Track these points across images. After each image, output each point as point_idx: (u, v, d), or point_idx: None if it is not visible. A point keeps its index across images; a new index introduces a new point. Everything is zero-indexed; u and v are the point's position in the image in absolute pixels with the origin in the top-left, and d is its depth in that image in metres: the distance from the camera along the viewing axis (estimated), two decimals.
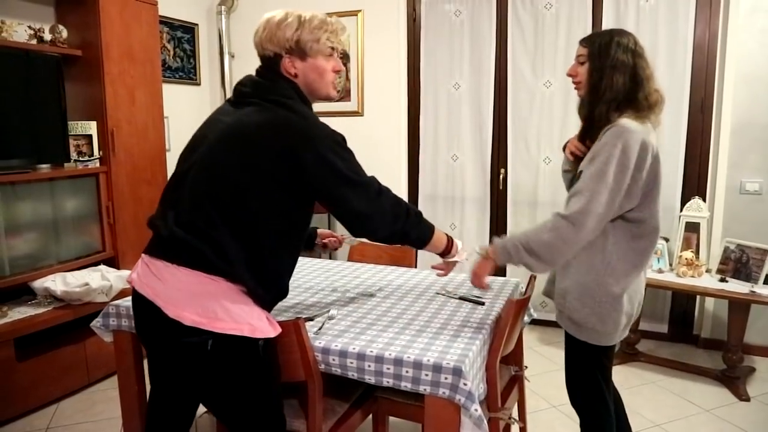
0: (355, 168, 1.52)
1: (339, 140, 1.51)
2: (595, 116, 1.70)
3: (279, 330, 1.54)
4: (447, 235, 1.82)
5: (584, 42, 1.76)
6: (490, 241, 1.81)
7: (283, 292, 1.62)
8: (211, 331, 1.41)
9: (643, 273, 1.79)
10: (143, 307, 1.48)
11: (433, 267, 1.97)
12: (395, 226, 1.59)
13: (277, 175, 1.43)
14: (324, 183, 1.46)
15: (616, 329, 1.72)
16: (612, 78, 1.66)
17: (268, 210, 1.46)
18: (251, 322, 1.46)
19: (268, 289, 1.52)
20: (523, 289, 2.25)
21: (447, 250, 1.81)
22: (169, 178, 1.63)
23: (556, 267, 1.76)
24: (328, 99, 1.63)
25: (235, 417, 1.54)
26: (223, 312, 1.42)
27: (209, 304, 1.41)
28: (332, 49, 1.56)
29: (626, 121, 1.63)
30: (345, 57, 4.21)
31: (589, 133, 1.76)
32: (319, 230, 2.27)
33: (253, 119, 1.46)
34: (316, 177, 1.45)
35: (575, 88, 1.80)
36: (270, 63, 1.55)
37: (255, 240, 1.46)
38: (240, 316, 1.44)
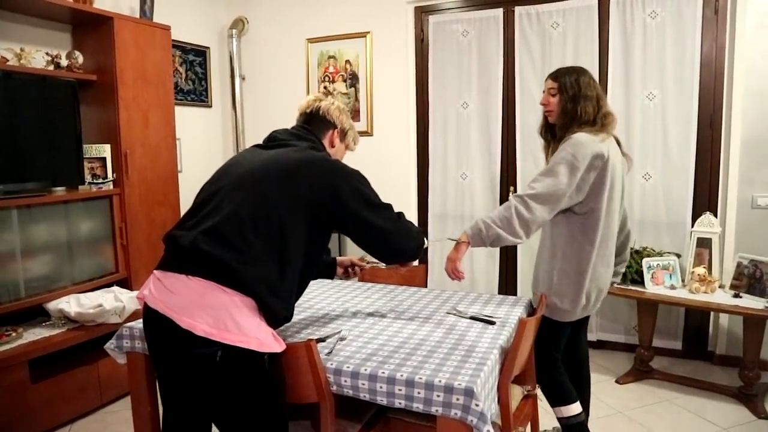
0: (377, 196, 1.74)
1: (362, 175, 1.76)
2: (567, 134, 2.13)
3: (284, 347, 1.59)
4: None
5: (553, 78, 2.20)
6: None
7: (289, 317, 1.70)
8: (221, 343, 1.46)
9: (603, 263, 2.17)
10: (155, 321, 1.53)
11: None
12: (416, 242, 1.82)
13: (314, 200, 1.60)
14: (355, 206, 1.65)
15: (573, 308, 2.16)
16: (585, 107, 2.11)
17: (298, 232, 1.58)
18: (259, 336, 1.51)
19: (279, 308, 1.58)
20: (534, 307, 2.25)
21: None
22: (193, 201, 1.72)
23: (521, 240, 2.06)
24: None
25: (240, 430, 1.57)
26: (233, 324, 1.47)
27: (220, 316, 1.47)
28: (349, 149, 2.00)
29: (579, 135, 2.07)
30: (354, 77, 4.27)
31: (553, 147, 2.23)
32: (338, 258, 2.32)
33: (290, 155, 1.68)
34: (348, 202, 1.64)
35: (546, 115, 2.25)
36: (318, 122, 1.87)
37: (280, 258, 1.56)
38: (249, 330, 1.49)
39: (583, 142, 2.04)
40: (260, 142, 1.85)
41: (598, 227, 2.10)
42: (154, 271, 1.61)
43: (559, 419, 2.31)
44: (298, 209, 1.59)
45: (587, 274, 2.13)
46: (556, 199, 2.03)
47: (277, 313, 1.59)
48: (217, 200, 1.60)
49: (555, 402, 2.30)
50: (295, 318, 2.09)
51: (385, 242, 1.73)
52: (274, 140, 1.80)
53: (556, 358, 2.27)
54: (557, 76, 2.19)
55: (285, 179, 1.60)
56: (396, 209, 1.79)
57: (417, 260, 1.99)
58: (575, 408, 2.28)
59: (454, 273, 2.11)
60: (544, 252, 2.24)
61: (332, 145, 1.90)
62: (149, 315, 1.56)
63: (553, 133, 2.27)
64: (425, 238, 1.92)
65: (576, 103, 2.11)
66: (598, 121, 2.12)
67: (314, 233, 1.65)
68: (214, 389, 1.53)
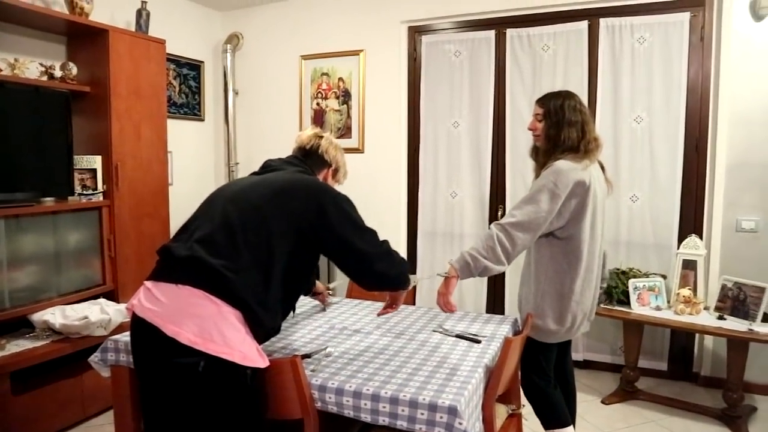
0: (362, 221, 1.76)
1: (350, 200, 1.78)
2: (549, 160, 2.16)
3: (267, 363, 1.59)
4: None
5: (540, 103, 2.23)
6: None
7: (276, 329, 1.72)
8: (204, 353, 1.46)
9: (588, 287, 2.20)
10: (141, 330, 1.54)
11: (381, 314, 2.12)
12: (395, 270, 1.80)
13: (302, 217, 1.64)
14: (340, 226, 1.67)
15: (558, 329, 2.17)
16: (568, 132, 2.13)
17: (284, 247, 1.61)
18: (243, 350, 1.51)
19: (266, 319, 1.60)
20: (520, 327, 2.26)
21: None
22: (188, 219, 1.76)
23: (506, 267, 2.07)
24: None
25: None
26: (219, 335, 1.48)
27: (206, 326, 1.48)
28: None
29: (560, 163, 2.10)
30: (346, 95, 4.31)
31: (538, 173, 2.24)
32: (317, 281, 2.45)
33: (282, 176, 1.77)
34: (333, 222, 1.66)
35: (534, 139, 2.28)
36: (315, 158, 1.95)
37: (266, 270, 1.58)
38: (233, 342, 1.50)
39: (563, 170, 2.06)
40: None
41: (581, 251, 2.13)
42: (145, 282, 1.62)
43: None
44: (286, 224, 1.62)
45: (571, 297, 2.16)
46: (537, 227, 2.06)
47: (263, 324, 1.60)
48: (210, 214, 1.66)
49: (550, 424, 2.29)
50: (282, 334, 2.09)
51: (366, 266, 1.74)
52: (267, 167, 1.87)
53: (550, 376, 2.29)
54: (544, 101, 2.23)
55: (276, 195, 1.66)
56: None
57: (401, 290, 1.97)
58: (570, 431, 2.28)
59: (446, 306, 2.10)
60: (528, 274, 2.26)
61: (324, 181, 1.97)
62: (136, 324, 1.57)
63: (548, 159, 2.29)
64: (411, 275, 1.94)
65: (560, 129, 2.14)
66: (582, 147, 2.13)
67: (300, 250, 1.66)
68: (194, 401, 1.52)
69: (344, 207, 1.71)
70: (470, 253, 2.07)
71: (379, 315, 2.13)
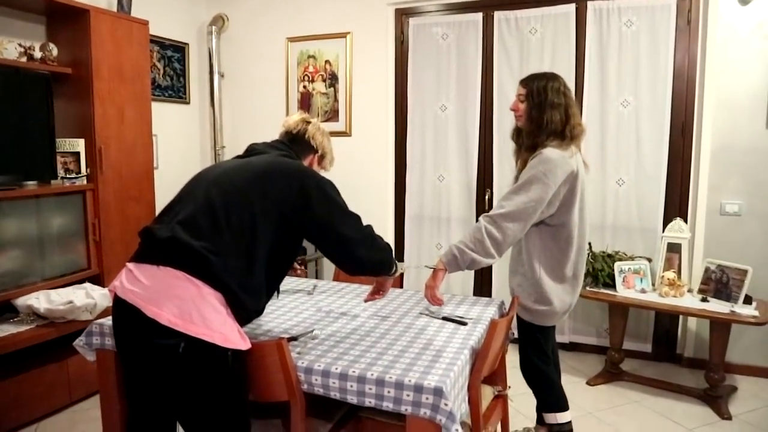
0: (346, 205, 1.74)
1: (333, 184, 1.75)
2: (537, 143, 2.13)
3: (249, 345, 1.58)
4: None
5: (523, 83, 2.20)
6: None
7: (259, 311, 1.71)
8: (184, 334, 1.45)
9: (579, 269, 2.23)
10: (123, 312, 1.54)
11: (367, 299, 2.10)
12: (378, 255, 1.81)
13: (285, 200, 1.62)
14: (322, 210, 1.66)
15: (558, 311, 2.21)
16: (551, 115, 2.11)
17: (267, 230, 1.59)
18: (224, 331, 1.50)
19: (248, 302, 1.59)
20: (506, 310, 2.28)
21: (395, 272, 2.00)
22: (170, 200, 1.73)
23: (496, 259, 2.09)
24: None
25: (200, 427, 1.56)
26: (199, 317, 1.47)
27: (186, 307, 1.47)
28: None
29: (549, 151, 2.07)
30: (333, 78, 4.27)
31: (521, 155, 2.22)
32: None
33: (264, 159, 1.74)
34: (316, 206, 1.65)
35: (516, 119, 2.26)
36: (301, 144, 1.91)
37: (248, 254, 1.56)
38: (214, 324, 1.48)
39: (553, 160, 2.05)
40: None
41: (572, 236, 2.15)
42: (127, 263, 1.61)
43: (551, 425, 2.33)
44: (269, 207, 1.61)
45: (567, 280, 2.20)
46: (527, 217, 2.05)
47: (245, 306, 1.59)
48: (193, 195, 1.64)
49: (552, 407, 2.33)
50: (268, 317, 2.09)
51: (348, 251, 1.73)
52: (252, 151, 1.85)
53: (550, 357, 2.33)
54: (527, 81, 2.20)
55: (259, 178, 1.64)
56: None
57: (385, 276, 1.96)
58: (568, 415, 2.33)
59: (433, 300, 2.11)
60: (520, 263, 2.26)
61: (310, 166, 1.92)
62: (117, 306, 1.56)
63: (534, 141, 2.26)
64: (399, 262, 1.97)
65: (542, 111, 2.12)
66: (567, 133, 2.11)
67: (283, 234, 1.65)
68: (175, 382, 1.52)
69: (327, 191, 1.70)
70: (458, 246, 2.06)
71: (365, 301, 2.13)
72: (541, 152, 2.08)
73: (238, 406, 1.58)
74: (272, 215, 1.61)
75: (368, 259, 1.78)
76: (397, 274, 1.99)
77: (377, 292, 2.07)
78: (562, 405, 2.33)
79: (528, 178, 2.05)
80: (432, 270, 2.14)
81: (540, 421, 2.41)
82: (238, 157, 1.86)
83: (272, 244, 1.62)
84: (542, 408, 2.37)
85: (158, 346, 1.48)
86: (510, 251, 2.34)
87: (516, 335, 2.34)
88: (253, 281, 1.59)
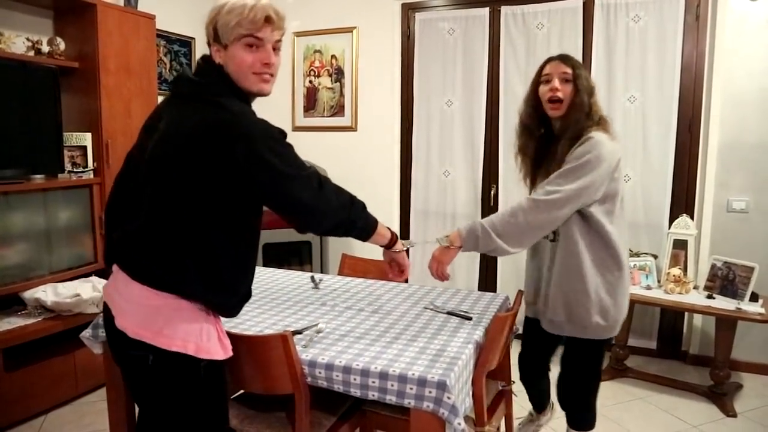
0: (293, 162, 1.43)
1: (274, 135, 1.40)
2: (582, 130, 1.87)
3: (229, 353, 1.49)
4: (389, 228, 1.78)
5: (567, 60, 1.90)
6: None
7: (246, 297, 1.55)
8: (153, 346, 1.36)
9: (627, 275, 1.97)
10: (106, 314, 1.48)
11: (392, 278, 1.94)
12: (341, 215, 1.52)
13: (215, 178, 1.35)
14: (262, 180, 1.37)
15: (615, 322, 1.94)
16: (597, 100, 1.92)
17: (215, 217, 1.38)
18: (198, 341, 1.39)
19: (225, 299, 1.47)
20: (511, 305, 2.28)
21: (392, 241, 1.78)
22: (120, 171, 1.57)
23: (520, 250, 1.86)
24: (260, 94, 1.48)
25: None
26: (168, 328, 1.37)
27: (154, 318, 1.37)
28: (252, 37, 1.40)
29: (599, 135, 1.85)
30: (339, 72, 4.27)
31: (562, 146, 1.90)
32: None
33: (185, 124, 1.38)
34: (252, 175, 1.36)
35: (551, 106, 1.90)
36: (208, 53, 1.49)
37: (206, 250, 1.38)
38: (186, 334, 1.38)
39: (606, 144, 1.83)
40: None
41: (622, 229, 1.94)
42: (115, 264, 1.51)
43: None
44: (205, 190, 1.36)
45: (624, 279, 1.95)
46: (573, 205, 1.82)
47: (225, 304, 1.48)
48: (131, 194, 1.45)
49: (583, 427, 2.12)
50: (273, 310, 2.09)
51: (305, 219, 1.48)
52: (177, 96, 1.49)
53: (600, 381, 2.11)
54: (569, 59, 1.91)
55: (182, 157, 1.35)
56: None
57: (358, 237, 1.68)
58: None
59: (439, 274, 1.91)
60: (565, 271, 1.92)
61: (221, 66, 1.44)
62: (105, 307, 1.51)
63: (547, 128, 2.00)
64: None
65: (591, 95, 1.88)
66: (602, 122, 1.92)
67: (234, 213, 1.42)
68: (148, 393, 1.46)
69: (261, 153, 1.35)
70: (484, 226, 1.82)
71: (391, 279, 1.96)
72: (592, 137, 1.84)
73: (208, 417, 1.48)
74: (218, 204, 1.38)
75: (333, 223, 1.51)
76: (399, 249, 1.81)
77: (394, 271, 1.88)
78: (593, 424, 2.13)
79: (580, 162, 1.80)
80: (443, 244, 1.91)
81: None
82: (172, 97, 1.51)
83: (230, 234, 1.42)
84: (576, 426, 2.14)
85: (130, 357, 1.42)
86: (527, 265, 2.16)
87: (520, 331, 2.30)
88: (225, 279, 1.43)
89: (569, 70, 1.87)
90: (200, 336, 1.40)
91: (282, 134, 1.43)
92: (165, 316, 1.37)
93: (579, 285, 1.90)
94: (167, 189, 1.36)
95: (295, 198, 1.41)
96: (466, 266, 4.08)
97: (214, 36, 1.44)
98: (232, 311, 1.54)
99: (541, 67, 1.96)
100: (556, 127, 1.97)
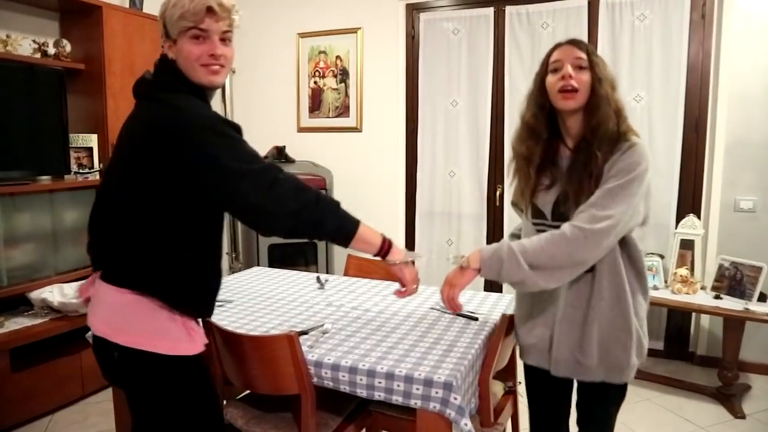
0: (241, 156, 1.33)
1: (219, 129, 1.33)
2: (620, 133, 1.52)
3: (200, 349, 1.44)
4: (382, 234, 1.55)
5: (580, 45, 1.56)
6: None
7: (211, 294, 1.50)
8: (116, 343, 1.35)
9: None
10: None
11: (397, 293, 1.70)
12: (301, 216, 1.35)
13: (165, 176, 1.31)
14: (206, 176, 1.30)
15: (645, 358, 1.65)
16: (619, 93, 1.56)
17: (170, 213, 1.35)
18: (161, 338, 1.36)
19: (188, 296, 1.42)
20: None
21: (383, 250, 1.54)
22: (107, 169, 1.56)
23: (549, 287, 1.50)
24: (211, 86, 1.43)
25: None
26: (130, 325, 1.35)
27: (117, 316, 1.37)
28: (197, 29, 1.37)
29: (641, 142, 1.53)
30: (344, 73, 4.27)
31: (593, 156, 1.51)
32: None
33: (135, 125, 1.40)
34: (197, 171, 1.30)
35: (563, 98, 1.53)
36: (162, 63, 1.45)
37: (165, 247, 1.36)
38: (149, 331, 1.36)
39: (646, 152, 1.52)
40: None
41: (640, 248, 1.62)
42: None
43: None
44: (159, 191, 1.33)
45: (647, 304, 1.66)
46: (623, 230, 1.49)
47: (186, 302, 1.41)
48: (100, 197, 1.49)
49: None
50: (279, 311, 2.09)
51: (256, 221, 1.37)
52: (136, 95, 1.48)
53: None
54: (582, 43, 1.57)
55: (134, 159, 1.35)
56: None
57: (331, 240, 1.50)
58: None
59: (450, 301, 1.60)
60: (613, 305, 1.55)
61: (173, 60, 1.41)
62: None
63: (553, 126, 1.63)
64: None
65: (614, 91, 1.54)
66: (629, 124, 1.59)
67: (191, 212, 1.37)
68: (126, 392, 1.46)
69: (205, 149, 1.30)
70: (512, 248, 1.47)
71: (398, 296, 1.71)
72: (637, 143, 1.52)
73: (197, 417, 1.46)
74: (173, 205, 1.35)
75: (290, 225, 1.36)
76: (394, 260, 1.58)
77: (403, 288, 1.66)
78: None
79: (632, 177, 1.47)
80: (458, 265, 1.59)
81: None
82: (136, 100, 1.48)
83: (191, 234, 1.39)
84: None
85: (99, 355, 1.42)
86: (525, 300, 1.74)
87: (521, 383, 1.98)
88: (183, 273, 1.39)
89: (583, 56, 1.52)
90: (164, 333, 1.37)
91: (233, 127, 1.38)
92: (127, 313, 1.36)
93: (621, 322, 1.55)
94: (126, 189, 1.36)
95: (240, 196, 1.31)
96: None
97: (165, 31, 1.41)
98: (200, 309, 1.48)
99: (548, 55, 1.60)
100: (570, 128, 1.59)
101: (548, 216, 1.62)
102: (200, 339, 1.46)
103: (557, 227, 1.52)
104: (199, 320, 1.52)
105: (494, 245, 1.52)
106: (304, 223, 1.37)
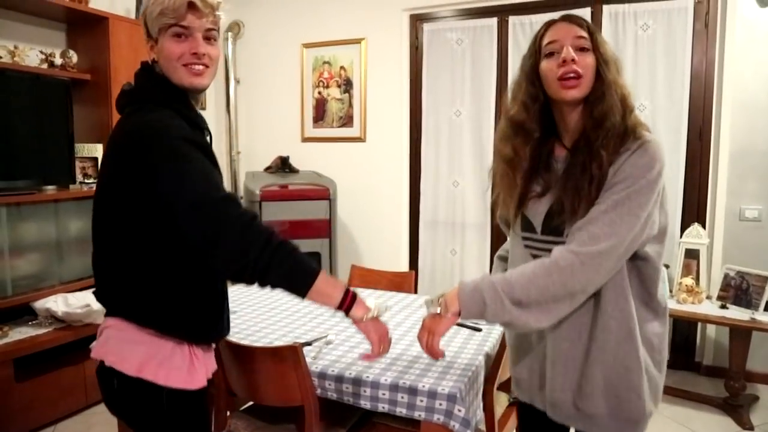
0: (194, 180, 1.17)
1: (175, 148, 1.18)
2: (627, 127, 1.24)
3: (197, 385, 1.32)
4: (345, 286, 1.28)
5: (581, 21, 1.30)
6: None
7: (213, 319, 1.36)
8: (114, 369, 1.27)
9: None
10: None
11: (363, 357, 1.41)
12: (251, 255, 1.15)
13: (129, 194, 1.21)
14: (161, 202, 1.17)
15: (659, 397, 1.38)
16: (624, 79, 1.30)
17: (146, 237, 1.24)
18: (159, 368, 1.27)
19: (182, 324, 1.30)
20: None
21: (345, 305, 1.26)
22: None
23: (542, 326, 1.25)
24: (194, 89, 1.33)
25: None
26: (130, 352, 1.27)
27: (118, 342, 1.29)
28: (178, 26, 1.27)
29: (653, 137, 1.25)
30: (348, 83, 4.28)
31: (594, 157, 1.24)
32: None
33: (109, 142, 1.30)
34: (156, 195, 1.18)
35: (564, 86, 1.25)
36: (144, 69, 1.39)
37: (153, 274, 1.26)
38: (147, 360, 1.27)
39: (660, 150, 1.24)
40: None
41: (660, 267, 1.31)
42: None
43: None
44: (135, 216, 1.23)
45: (666, 335, 1.36)
46: (631, 248, 1.23)
47: (183, 329, 1.30)
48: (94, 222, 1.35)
49: None
50: (282, 321, 2.09)
51: (200, 256, 1.20)
52: (118, 107, 1.38)
53: None
54: (582, 20, 1.31)
55: (109, 177, 1.27)
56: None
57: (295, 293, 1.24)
58: None
59: (430, 349, 1.31)
60: (620, 341, 1.26)
61: (155, 62, 1.35)
62: None
63: (549, 121, 1.35)
64: (290, 251, 1.20)
65: (620, 78, 1.28)
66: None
67: (171, 238, 1.23)
68: (126, 418, 1.37)
69: (157, 169, 1.17)
70: (495, 287, 1.22)
71: (365, 360, 1.48)
72: (650, 140, 1.23)
73: None
74: (150, 230, 1.23)
75: (234, 267, 1.16)
76: (357, 317, 1.28)
77: (373, 351, 1.35)
78: None
79: (645, 182, 1.20)
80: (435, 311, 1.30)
81: None
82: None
83: (172, 259, 1.26)
84: None
85: (100, 378, 1.34)
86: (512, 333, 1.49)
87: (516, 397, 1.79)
88: (169, 300, 1.28)
89: (585, 34, 1.26)
90: (165, 363, 1.27)
91: (197, 146, 1.23)
92: (123, 341, 1.28)
93: (631, 361, 1.27)
94: (103, 209, 1.28)
95: (185, 229, 1.16)
96: (473, 276, 4.04)
97: (147, 31, 1.33)
98: (199, 335, 1.34)
99: (540, 36, 1.32)
100: (569, 124, 1.32)
101: (537, 229, 1.34)
102: (201, 377, 1.34)
103: (546, 243, 1.30)
104: (212, 345, 1.43)
105: (474, 281, 1.26)
106: (251, 265, 1.15)
